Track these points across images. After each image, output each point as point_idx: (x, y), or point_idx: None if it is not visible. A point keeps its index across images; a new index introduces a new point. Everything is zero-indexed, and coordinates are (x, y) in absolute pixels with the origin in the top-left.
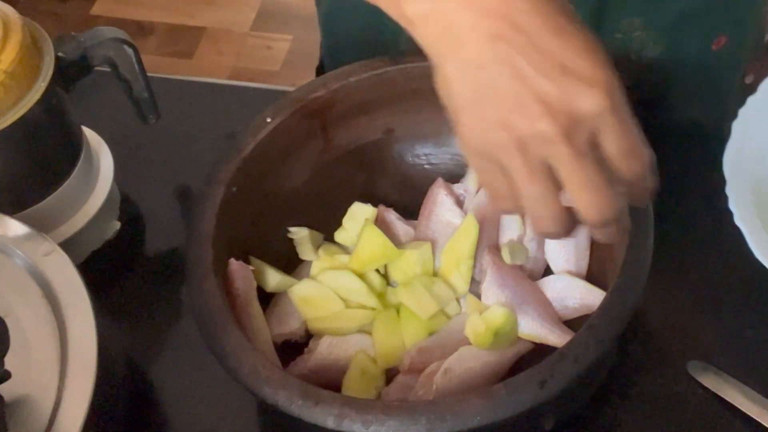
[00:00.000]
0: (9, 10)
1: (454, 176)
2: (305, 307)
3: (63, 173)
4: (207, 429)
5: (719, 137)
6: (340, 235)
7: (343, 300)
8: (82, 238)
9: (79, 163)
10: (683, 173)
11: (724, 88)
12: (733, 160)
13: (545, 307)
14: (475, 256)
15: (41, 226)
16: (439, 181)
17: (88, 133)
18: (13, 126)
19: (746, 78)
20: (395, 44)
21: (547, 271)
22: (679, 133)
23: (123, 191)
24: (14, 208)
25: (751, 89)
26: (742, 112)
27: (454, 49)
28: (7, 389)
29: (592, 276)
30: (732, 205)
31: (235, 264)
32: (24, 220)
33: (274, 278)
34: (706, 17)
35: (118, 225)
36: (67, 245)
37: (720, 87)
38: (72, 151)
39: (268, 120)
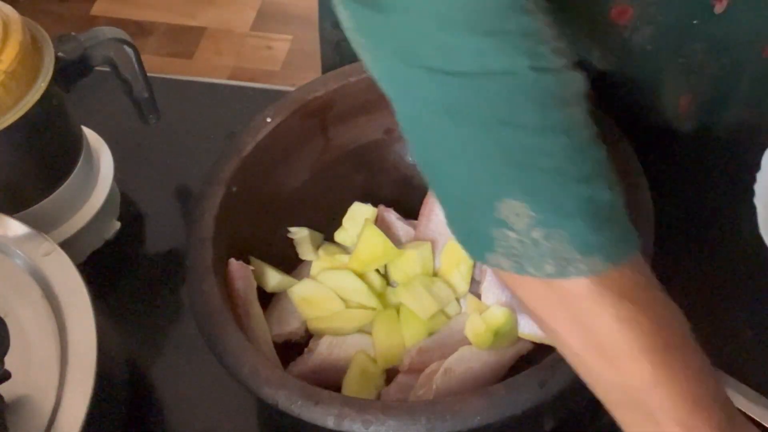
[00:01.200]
0: (9, 10)
1: None
2: (305, 307)
3: (63, 173)
4: (207, 429)
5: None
6: (340, 235)
7: (343, 300)
8: (82, 238)
9: (79, 163)
10: (686, 177)
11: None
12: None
13: None
14: None
15: (41, 226)
16: None
17: (88, 133)
18: (13, 126)
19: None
20: None
21: None
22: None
23: (123, 191)
24: (14, 208)
25: None
26: None
27: None
28: (7, 389)
29: None
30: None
31: (235, 264)
32: (24, 220)
33: (274, 278)
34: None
35: (118, 225)
36: (67, 245)
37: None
38: (72, 151)
39: (268, 120)
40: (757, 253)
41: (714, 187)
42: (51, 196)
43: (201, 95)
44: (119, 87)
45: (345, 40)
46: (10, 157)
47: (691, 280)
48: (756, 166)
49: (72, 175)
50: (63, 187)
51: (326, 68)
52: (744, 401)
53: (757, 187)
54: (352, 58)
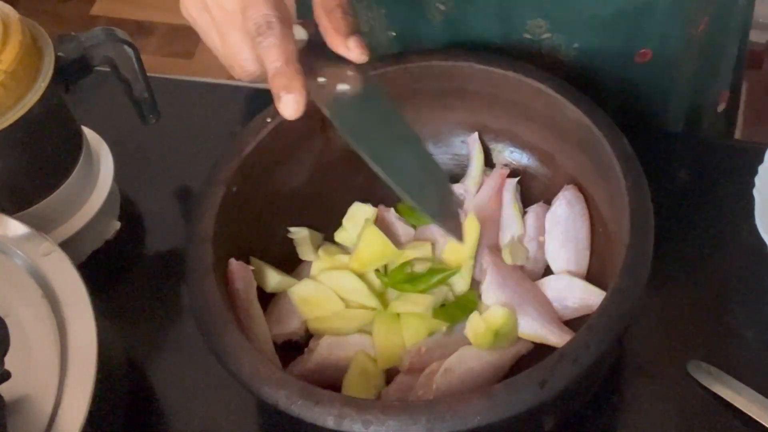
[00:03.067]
0: (9, 10)
1: (454, 176)
2: (305, 307)
3: (63, 173)
4: (207, 429)
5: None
6: (340, 235)
7: (343, 300)
8: (82, 238)
9: (79, 163)
10: (686, 176)
11: (659, 107)
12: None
13: (545, 307)
14: (475, 256)
15: (41, 226)
16: None
17: (88, 133)
18: (14, 126)
19: (718, 107)
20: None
21: (547, 271)
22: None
23: (123, 191)
24: (14, 207)
25: (724, 117)
26: None
27: None
28: (7, 389)
29: (592, 276)
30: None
31: (235, 264)
32: (24, 220)
33: (274, 278)
34: (620, 26)
35: (118, 225)
36: (67, 245)
37: (652, 104)
38: (72, 151)
39: (268, 120)
40: (757, 253)
41: (715, 187)
42: (51, 196)
43: (201, 95)
44: (119, 87)
45: None
46: (10, 157)
47: (691, 280)
48: (759, 160)
49: (72, 175)
50: (63, 187)
51: None
52: (744, 401)
53: (758, 180)
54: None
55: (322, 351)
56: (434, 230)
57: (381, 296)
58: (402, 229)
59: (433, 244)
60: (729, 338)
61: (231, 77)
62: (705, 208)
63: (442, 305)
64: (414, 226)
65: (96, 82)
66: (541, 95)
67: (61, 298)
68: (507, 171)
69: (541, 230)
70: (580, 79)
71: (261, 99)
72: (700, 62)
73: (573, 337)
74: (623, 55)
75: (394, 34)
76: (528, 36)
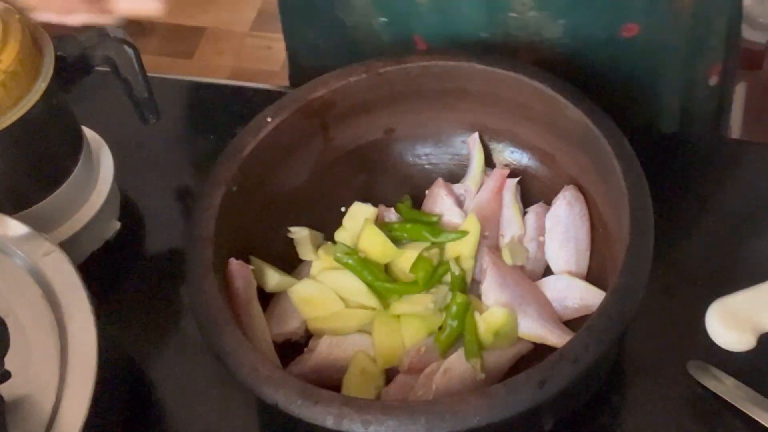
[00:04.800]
0: (9, 9)
1: (454, 176)
2: (305, 307)
3: (63, 173)
4: (207, 429)
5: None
6: (340, 235)
7: (343, 300)
8: (82, 238)
9: (79, 163)
10: (686, 176)
11: (649, 83)
12: None
13: (545, 308)
14: (475, 256)
15: (41, 226)
16: (439, 181)
17: (88, 133)
18: (13, 126)
19: (710, 80)
20: (357, 49)
21: (547, 272)
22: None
23: (123, 191)
24: (15, 207)
25: (718, 91)
26: None
27: None
28: (7, 389)
29: (592, 276)
30: None
31: (235, 264)
32: (24, 220)
33: (274, 278)
34: (605, 0)
35: (118, 225)
36: (67, 245)
37: (642, 80)
38: (72, 150)
39: (268, 120)
40: (757, 252)
41: (715, 187)
42: (51, 196)
43: (201, 95)
44: (119, 87)
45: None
46: (10, 157)
47: (691, 280)
48: (759, 160)
49: (72, 175)
50: (63, 187)
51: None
52: (744, 401)
53: None
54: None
55: (322, 351)
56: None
57: (381, 296)
58: None
59: (434, 243)
60: None
61: (231, 77)
62: (705, 208)
63: (440, 328)
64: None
65: (96, 82)
66: (541, 95)
67: (61, 298)
68: (507, 171)
69: (541, 230)
70: (567, 57)
71: (261, 99)
72: (688, 36)
73: (573, 338)
74: (609, 30)
75: (385, 20)
76: (513, 15)
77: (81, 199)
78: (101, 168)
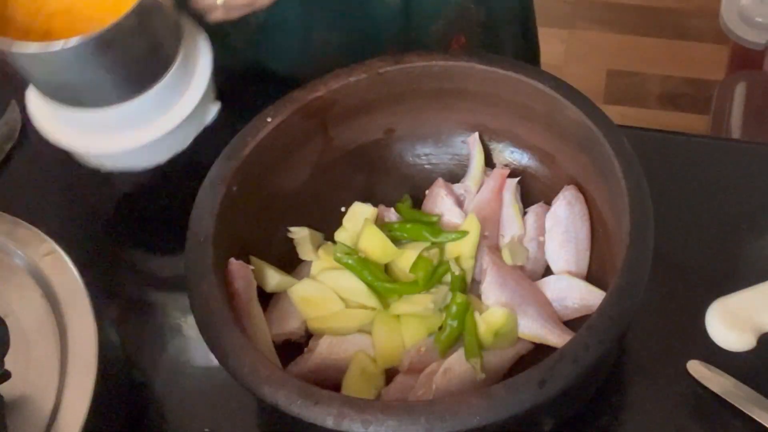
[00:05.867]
0: None
1: (454, 176)
2: (305, 307)
3: (169, 59)
4: (207, 429)
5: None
6: (340, 235)
7: (343, 300)
8: (185, 124)
9: (181, 49)
10: (686, 176)
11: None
12: None
13: (545, 307)
14: (475, 256)
15: (150, 115)
16: (439, 181)
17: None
18: (130, 13)
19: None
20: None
21: (547, 272)
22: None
23: None
24: (129, 94)
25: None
26: None
27: None
28: (7, 389)
29: (592, 276)
30: None
31: (235, 264)
32: (140, 105)
33: (274, 278)
34: None
35: (218, 105)
36: (175, 132)
37: None
38: (175, 36)
39: (268, 120)
40: (758, 252)
41: (715, 187)
42: (160, 82)
43: None
44: None
45: None
46: (126, 44)
47: (691, 280)
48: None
49: (176, 61)
50: (169, 73)
51: None
52: (744, 401)
53: None
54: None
55: (322, 351)
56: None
57: (381, 296)
58: None
59: (434, 243)
60: None
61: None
62: (705, 208)
63: (440, 328)
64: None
65: None
66: (541, 95)
67: (61, 298)
68: (507, 171)
69: (541, 230)
70: None
71: (261, 99)
72: None
73: (573, 338)
74: None
75: None
76: None
77: (184, 84)
78: (199, 53)
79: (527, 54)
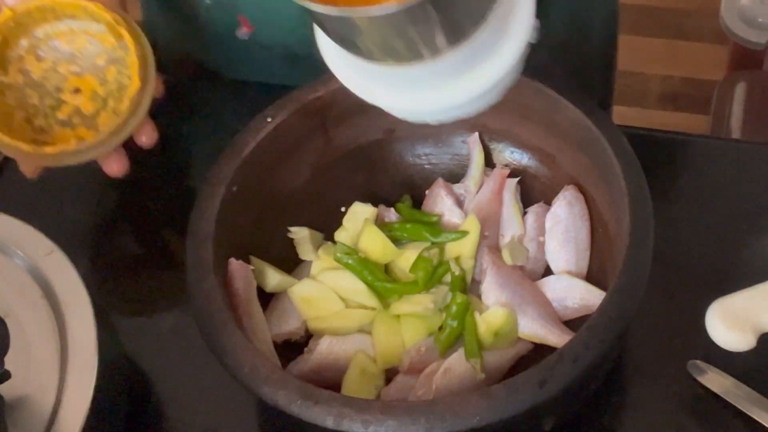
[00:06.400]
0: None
1: (454, 176)
2: (305, 307)
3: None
4: (207, 429)
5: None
6: (340, 235)
7: (343, 300)
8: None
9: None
10: (686, 176)
11: None
12: None
13: (545, 308)
14: (475, 256)
15: (476, 57)
16: (440, 181)
17: None
18: None
19: None
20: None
21: (547, 272)
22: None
23: None
24: (454, 40)
25: None
26: None
27: None
28: (7, 389)
29: (592, 276)
30: None
31: (235, 264)
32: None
33: (274, 278)
34: None
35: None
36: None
37: None
38: None
39: (268, 120)
40: (758, 252)
41: (715, 187)
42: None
43: (201, 95)
44: None
45: None
46: None
47: (691, 280)
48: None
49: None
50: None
51: None
52: (744, 401)
53: None
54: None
55: (322, 351)
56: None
57: (381, 296)
58: None
59: (434, 243)
60: None
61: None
62: (705, 208)
63: (440, 328)
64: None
65: None
66: (541, 95)
67: (61, 298)
68: (507, 171)
69: (541, 230)
70: None
71: (261, 99)
72: None
73: (573, 338)
74: None
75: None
76: None
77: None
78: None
79: None
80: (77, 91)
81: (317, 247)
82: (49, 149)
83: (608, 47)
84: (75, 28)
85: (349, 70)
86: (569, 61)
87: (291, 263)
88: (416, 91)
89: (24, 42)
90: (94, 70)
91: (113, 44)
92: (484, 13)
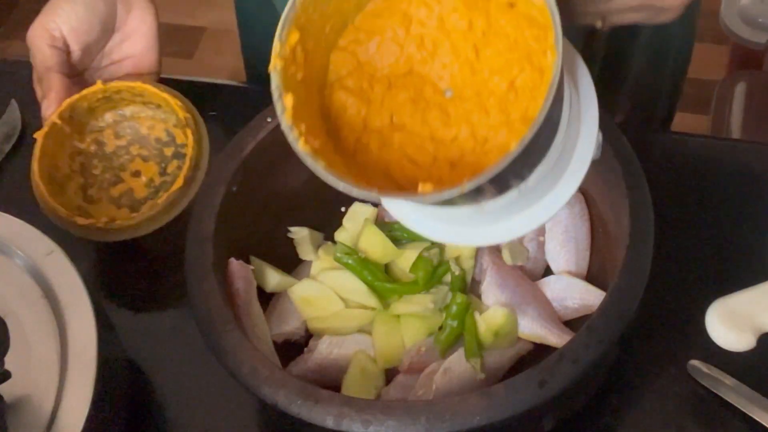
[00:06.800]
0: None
1: None
2: (305, 307)
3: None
4: (207, 429)
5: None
6: (340, 235)
7: (343, 300)
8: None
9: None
10: (686, 176)
11: None
12: None
13: (545, 308)
14: (475, 256)
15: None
16: None
17: None
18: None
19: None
20: None
21: (547, 272)
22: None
23: None
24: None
25: None
26: None
27: None
28: (7, 389)
29: (592, 276)
30: None
31: (235, 264)
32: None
33: (274, 278)
34: None
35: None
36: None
37: None
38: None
39: (268, 120)
40: (758, 252)
41: (715, 187)
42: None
43: (201, 95)
44: None
45: None
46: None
47: (691, 280)
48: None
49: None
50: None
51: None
52: (744, 401)
53: None
54: None
55: (322, 351)
56: None
57: (381, 296)
58: None
59: (434, 243)
60: None
61: (231, 77)
62: (705, 208)
63: (440, 328)
64: None
65: None
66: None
67: (61, 298)
68: None
69: (541, 230)
70: None
71: (261, 99)
72: None
73: (573, 337)
74: None
75: None
76: None
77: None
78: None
79: None
80: (137, 174)
81: (317, 247)
82: (80, 220)
83: (680, 80)
84: (157, 117)
85: (402, 207)
86: (640, 94)
87: (291, 263)
88: (468, 227)
89: (109, 116)
90: (160, 159)
91: (183, 141)
92: (540, 159)
